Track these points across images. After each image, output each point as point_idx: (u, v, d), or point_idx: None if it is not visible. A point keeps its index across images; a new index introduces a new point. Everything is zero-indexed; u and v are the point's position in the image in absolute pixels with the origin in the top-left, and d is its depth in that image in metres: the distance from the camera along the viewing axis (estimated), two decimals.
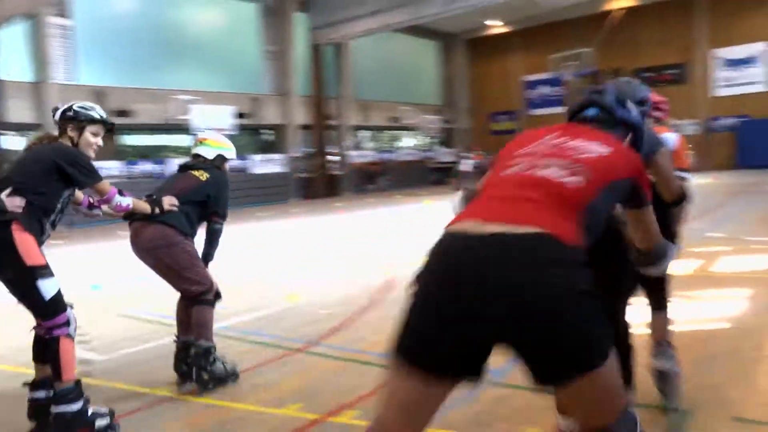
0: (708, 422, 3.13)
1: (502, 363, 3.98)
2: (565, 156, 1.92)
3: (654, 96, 3.27)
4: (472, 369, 1.76)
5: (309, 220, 17.42)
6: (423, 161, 38.11)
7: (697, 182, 10.29)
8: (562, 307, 1.58)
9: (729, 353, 4.01)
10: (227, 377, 4.28)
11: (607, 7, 33.37)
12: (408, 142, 40.00)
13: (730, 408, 3.24)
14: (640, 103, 2.68)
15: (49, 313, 3.39)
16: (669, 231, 2.99)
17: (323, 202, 26.53)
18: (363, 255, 10.08)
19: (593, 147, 1.96)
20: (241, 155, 28.60)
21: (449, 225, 1.84)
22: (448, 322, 1.66)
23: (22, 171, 3.54)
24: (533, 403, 3.13)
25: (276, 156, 29.62)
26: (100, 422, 3.44)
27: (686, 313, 4.98)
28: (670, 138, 3.56)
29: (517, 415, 3.33)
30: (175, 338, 4.45)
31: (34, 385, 3.62)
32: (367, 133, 37.34)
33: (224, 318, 5.66)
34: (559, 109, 37.89)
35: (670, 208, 2.92)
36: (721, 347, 4.18)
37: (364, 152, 34.77)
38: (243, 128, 29.31)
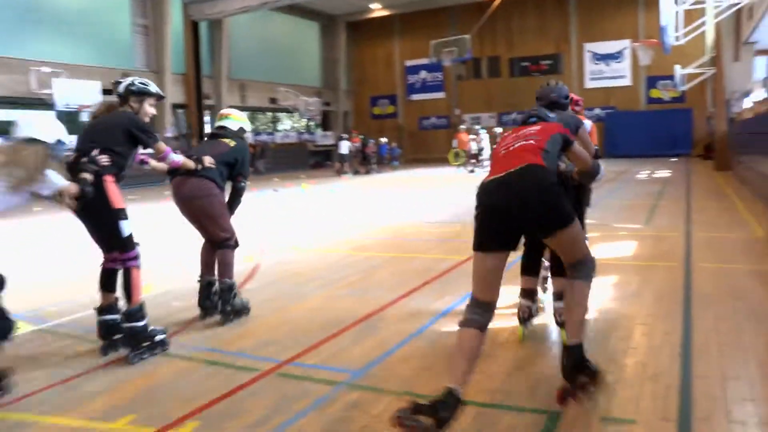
0: (578, 421, 3.01)
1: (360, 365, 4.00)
2: (523, 136, 3.39)
3: (573, 96, 5.13)
4: (513, 245, 3.16)
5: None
6: (302, 144, 37.65)
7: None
8: (547, 190, 3.04)
9: (596, 345, 3.84)
10: (243, 310, 5.16)
11: None
12: (287, 124, 39.39)
13: (598, 406, 3.12)
14: (565, 97, 4.44)
15: (127, 248, 4.31)
16: (585, 196, 4.80)
17: None
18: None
19: (534, 128, 3.45)
20: None
21: (485, 179, 3.25)
22: (499, 221, 3.07)
23: (103, 134, 4.33)
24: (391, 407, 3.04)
25: None
26: (158, 337, 4.36)
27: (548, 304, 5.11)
28: (587, 123, 4.77)
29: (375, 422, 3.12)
30: (198, 278, 5.28)
31: (102, 311, 4.45)
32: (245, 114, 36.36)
33: (61, 314, 5.40)
34: (438, 95, 38.70)
35: (583, 180, 4.01)
36: (588, 339, 4.23)
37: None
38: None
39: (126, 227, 4.29)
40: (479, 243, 3.12)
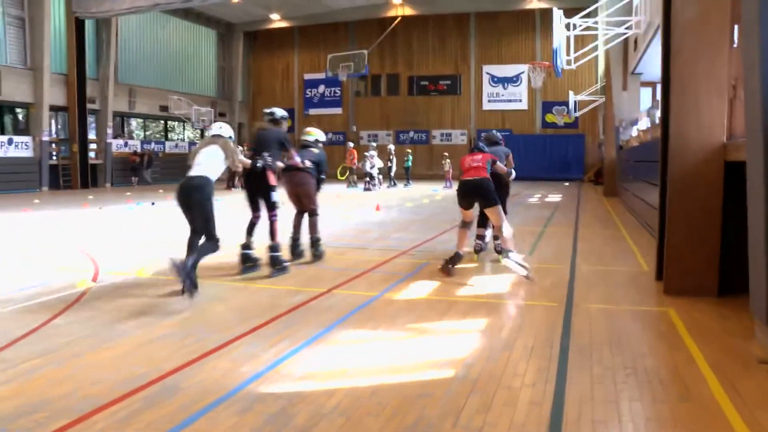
0: None
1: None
2: (474, 160, 7.51)
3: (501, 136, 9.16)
4: (473, 206, 7.48)
5: (39, 213, 15.08)
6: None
7: (454, 191, 10.29)
8: (487, 187, 7.31)
9: (447, 415, 3.17)
10: (322, 255, 8.26)
11: (388, 14, 33.95)
12: (178, 133, 37.53)
13: None
14: (500, 139, 9.01)
15: (274, 208, 7.28)
16: (504, 188, 8.39)
17: (77, 194, 23.67)
18: (57, 256, 8.46)
19: (479, 156, 7.57)
20: None
21: (462, 178, 7.49)
22: (468, 198, 7.45)
23: (267, 142, 7.28)
24: None
25: (24, 138, 25.89)
26: (285, 264, 7.34)
27: (405, 356, 4.37)
28: (507, 150, 8.83)
29: None
30: (290, 237, 8.23)
31: (244, 246, 7.48)
32: (134, 121, 34.44)
33: None
34: (336, 110, 38.03)
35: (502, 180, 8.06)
36: (441, 403, 3.49)
37: (129, 141, 31.84)
38: None
39: (275, 196, 7.29)
40: (462, 205, 7.48)
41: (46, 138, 26.34)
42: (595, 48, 17.27)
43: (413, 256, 8.64)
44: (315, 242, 8.21)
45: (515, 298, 6.06)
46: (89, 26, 28.67)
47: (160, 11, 30.86)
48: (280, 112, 7.68)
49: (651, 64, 15.28)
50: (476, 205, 7.42)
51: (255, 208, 7.42)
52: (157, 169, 32.28)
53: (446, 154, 29.76)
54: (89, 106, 28.59)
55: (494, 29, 34.92)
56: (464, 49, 35.77)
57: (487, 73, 35.31)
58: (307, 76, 38.58)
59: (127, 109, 31.59)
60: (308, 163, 8.05)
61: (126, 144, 31.16)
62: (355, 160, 26.56)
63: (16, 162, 25.13)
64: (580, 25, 14.98)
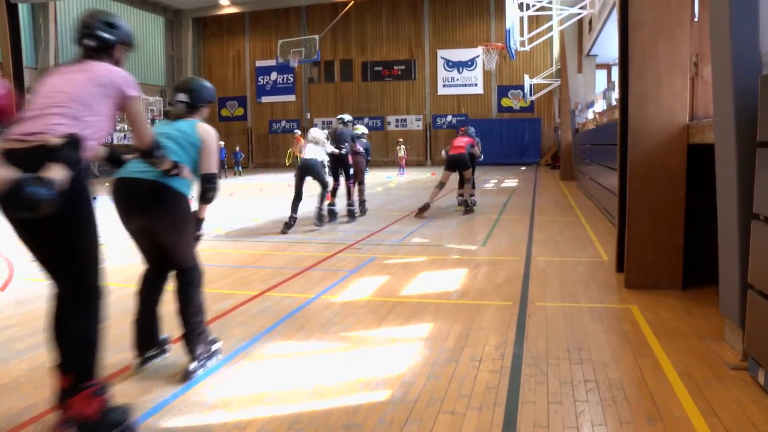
0: None
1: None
2: (458, 140, 11.78)
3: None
4: (454, 171, 11.64)
5: None
6: None
7: (408, 178, 9.82)
8: (466, 159, 11.64)
9: None
10: (366, 212, 11.76)
11: None
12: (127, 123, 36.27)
13: None
14: (473, 131, 12.69)
15: (350, 178, 10.88)
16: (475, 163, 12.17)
17: None
18: None
19: (465, 139, 11.88)
20: None
21: (449, 151, 11.61)
22: (451, 165, 11.53)
23: (343, 138, 10.68)
24: None
25: None
26: (355, 215, 11.14)
27: (334, 375, 3.82)
28: (478, 140, 12.51)
29: None
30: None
31: (330, 204, 10.80)
32: None
33: None
34: (289, 97, 37.16)
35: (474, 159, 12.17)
36: None
37: None
38: None
39: (327, 179, 10.36)
40: (447, 170, 11.54)
41: None
42: (550, 29, 16.87)
43: (359, 250, 8.07)
44: (362, 203, 11.73)
45: (465, 296, 5.51)
46: (24, 11, 27.25)
47: None
48: (348, 117, 11.38)
49: (606, 46, 14.96)
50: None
51: (336, 179, 11.03)
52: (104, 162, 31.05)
53: (401, 140, 29.24)
54: (28, 96, 27.19)
55: (448, 13, 34.41)
56: (418, 33, 35.20)
57: (442, 58, 34.82)
58: (259, 63, 37.58)
59: None
60: (361, 149, 11.44)
61: None
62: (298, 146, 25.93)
63: None
64: (534, 5, 14.52)
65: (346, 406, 3.25)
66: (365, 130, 12.53)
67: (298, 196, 9.89)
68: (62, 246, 2.83)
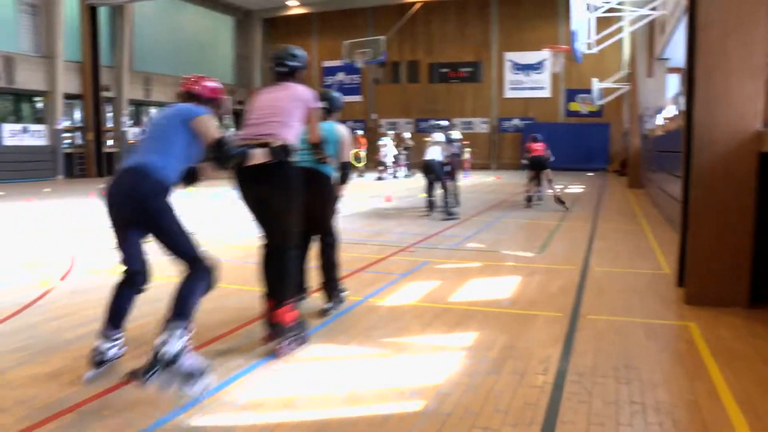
0: None
1: None
2: (538, 145, 13.56)
3: None
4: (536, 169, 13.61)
5: (42, 203, 14.68)
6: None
7: (472, 181, 9.63)
8: (546, 160, 13.70)
9: None
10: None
11: (406, 0, 33.17)
12: None
13: None
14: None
15: (441, 182, 11.63)
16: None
17: (90, 182, 23.33)
18: (36, 251, 7.93)
19: (540, 144, 13.61)
20: None
21: (530, 155, 13.46)
22: (535, 165, 13.44)
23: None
24: None
25: (39, 127, 25.62)
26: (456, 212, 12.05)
27: (370, 381, 3.72)
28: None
29: None
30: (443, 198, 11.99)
31: (429, 206, 12.05)
32: (152, 109, 34.13)
33: None
34: (356, 98, 37.32)
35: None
36: None
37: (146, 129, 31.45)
38: None
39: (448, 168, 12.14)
40: (530, 169, 13.54)
41: (60, 126, 26.05)
42: (619, 31, 16.34)
43: (413, 253, 7.96)
44: (455, 197, 12.89)
45: (515, 305, 5.33)
46: (103, 13, 28.30)
47: None
48: (444, 122, 12.71)
49: (678, 49, 14.34)
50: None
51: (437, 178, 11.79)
52: None
53: (466, 143, 28.90)
54: (104, 94, 28.25)
55: (516, 14, 33.87)
56: (485, 35, 34.77)
57: (509, 60, 34.30)
58: (326, 64, 37.90)
59: (143, 97, 31.22)
60: (456, 151, 13.06)
61: (143, 132, 30.74)
62: (363, 148, 25.91)
63: (32, 150, 24.93)
64: (602, 6, 14.07)
65: (375, 415, 3.15)
66: (459, 135, 14.45)
67: (430, 186, 12.05)
68: (277, 212, 4.18)
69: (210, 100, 3.96)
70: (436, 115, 35.18)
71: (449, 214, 11.44)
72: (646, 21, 15.13)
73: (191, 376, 3.33)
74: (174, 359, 3.31)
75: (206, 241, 8.56)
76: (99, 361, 3.65)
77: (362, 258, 7.53)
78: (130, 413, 3.19)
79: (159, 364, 3.29)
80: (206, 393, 3.44)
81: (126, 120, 29.50)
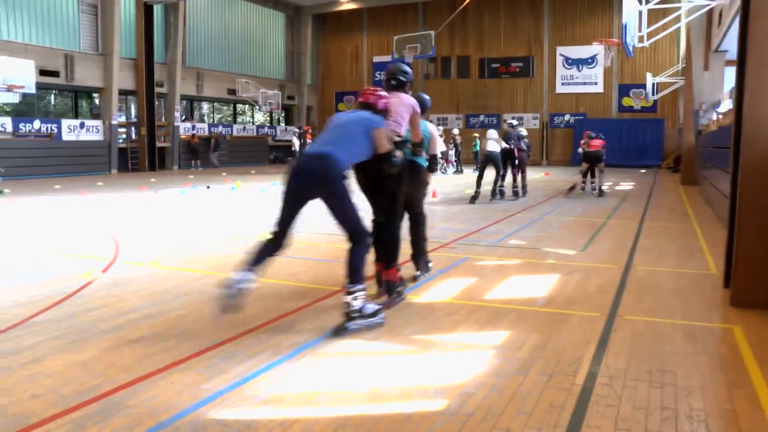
0: None
1: None
2: (597, 142, 15.08)
3: None
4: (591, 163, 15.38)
5: (101, 196, 15.09)
6: (262, 138, 35.97)
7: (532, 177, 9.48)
8: (602, 155, 15.29)
9: None
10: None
11: None
12: (249, 117, 37.72)
13: None
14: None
15: (500, 172, 14.21)
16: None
17: (142, 176, 23.90)
18: (82, 243, 8.13)
19: (599, 141, 15.37)
20: (49, 119, 25.32)
21: (588, 150, 15.07)
22: (591, 159, 15.22)
23: (512, 137, 14.32)
24: None
25: (95, 122, 26.37)
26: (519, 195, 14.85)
27: (395, 378, 3.67)
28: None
29: None
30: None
31: (475, 196, 13.74)
32: (204, 105, 34.75)
33: None
34: None
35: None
36: None
37: (197, 124, 32.07)
38: (51, 88, 25.96)
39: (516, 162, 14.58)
40: (585, 161, 15.21)
41: (115, 122, 26.73)
42: (673, 22, 15.84)
43: (453, 249, 7.87)
44: (524, 187, 15.06)
45: (550, 304, 5.20)
46: (158, 11, 28.90)
47: None
48: (515, 121, 15.19)
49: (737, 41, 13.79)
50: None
51: (504, 168, 14.18)
52: (225, 152, 32.46)
53: (476, 135, 28.48)
54: (157, 89, 28.87)
55: (568, 8, 33.24)
56: (537, 29, 34.24)
57: (561, 55, 33.69)
58: (376, 59, 37.90)
59: (195, 92, 31.80)
60: (524, 146, 14.83)
61: (193, 127, 31.36)
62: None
63: (88, 145, 25.64)
64: None
65: (397, 413, 3.10)
66: (526, 132, 16.12)
67: (480, 177, 13.91)
68: (389, 193, 5.16)
69: (382, 111, 4.87)
70: (486, 110, 34.93)
71: (515, 195, 14.40)
72: (702, 12, 14.62)
73: (374, 314, 4.53)
74: (360, 310, 4.42)
75: (250, 235, 8.72)
76: (234, 294, 4.34)
77: (403, 254, 7.45)
78: (153, 404, 3.22)
79: (352, 318, 4.41)
80: (228, 386, 3.46)
81: (178, 115, 30.07)
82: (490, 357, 3.91)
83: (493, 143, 13.92)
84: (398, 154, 4.83)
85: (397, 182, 5.11)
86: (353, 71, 39.04)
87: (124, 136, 28.17)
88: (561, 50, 33.73)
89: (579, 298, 5.37)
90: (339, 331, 4.32)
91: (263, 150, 35.61)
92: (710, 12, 15.28)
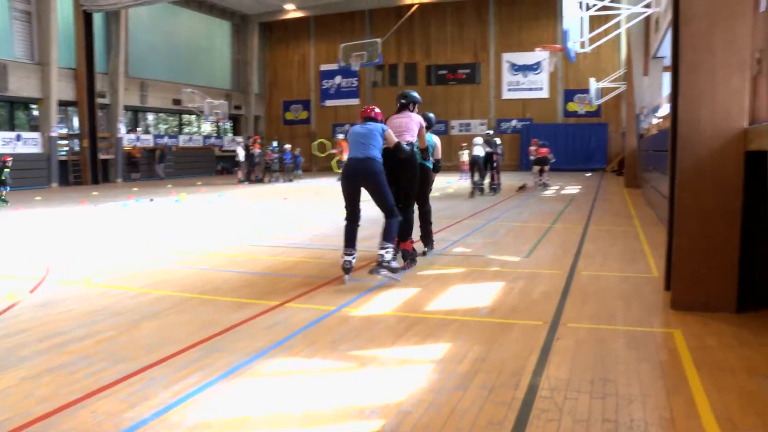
0: None
1: None
2: (544, 149, 20.02)
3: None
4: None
5: (37, 211, 14.51)
6: (209, 148, 35.37)
7: (469, 184, 9.31)
8: (549, 160, 20.25)
9: None
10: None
11: (405, 1, 32.96)
12: (195, 127, 37.05)
13: None
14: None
15: (483, 174, 17.44)
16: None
17: (84, 190, 23.17)
18: (9, 262, 7.76)
19: (546, 149, 20.47)
20: None
21: (537, 156, 20.00)
22: (540, 163, 20.06)
23: (490, 144, 17.53)
24: None
25: (33, 135, 25.45)
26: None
27: (330, 398, 3.52)
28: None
29: None
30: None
31: (473, 192, 16.92)
32: (150, 116, 33.99)
33: None
34: (353, 101, 37.12)
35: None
36: None
37: (142, 136, 31.33)
38: None
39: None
40: (536, 164, 19.93)
41: (55, 134, 25.89)
42: (613, 28, 16.11)
43: (398, 258, 7.73)
44: (498, 185, 17.87)
45: (493, 314, 5.10)
46: (98, 19, 28.17)
47: (171, 2, 30.27)
48: (491, 132, 18.55)
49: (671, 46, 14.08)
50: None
51: (485, 168, 16.96)
52: (171, 164, 31.80)
53: (464, 144, 28.67)
54: (99, 100, 28.10)
55: (514, 16, 33.69)
56: (483, 36, 34.59)
57: (507, 61, 34.10)
58: (324, 67, 37.72)
59: (139, 103, 31.10)
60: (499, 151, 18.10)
61: (138, 139, 30.63)
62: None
63: (26, 158, 24.66)
64: (596, 5, 13.85)
65: None
66: (500, 141, 20.04)
67: (472, 176, 17.03)
68: (406, 184, 6.94)
69: (381, 120, 6.70)
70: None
71: (493, 190, 17.50)
72: (641, 18, 14.91)
73: (395, 270, 6.27)
74: (388, 262, 6.18)
75: (184, 249, 8.48)
76: (348, 268, 6.36)
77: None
78: None
79: (381, 264, 6.16)
80: (153, 414, 3.24)
81: (122, 126, 29.33)
82: (429, 372, 3.78)
83: (479, 148, 16.50)
84: (405, 146, 6.72)
85: (412, 176, 6.91)
86: (300, 80, 38.76)
87: (66, 148, 27.27)
88: (507, 57, 34.13)
89: (522, 307, 5.29)
90: (372, 271, 6.17)
91: (210, 161, 35.05)
92: (648, 19, 15.59)
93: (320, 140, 28.04)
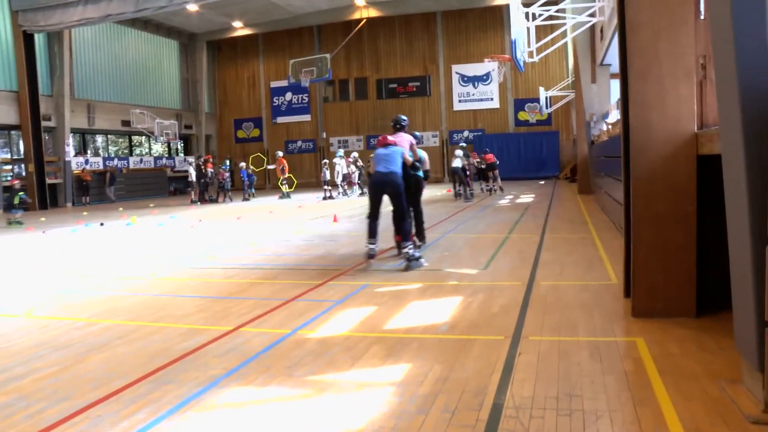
0: None
1: None
2: (490, 156, 23.03)
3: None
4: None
5: None
6: (161, 169, 34.71)
7: (424, 196, 9.39)
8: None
9: None
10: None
11: (353, 16, 32.97)
12: (146, 148, 36.34)
13: None
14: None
15: (464, 183, 20.04)
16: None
17: (31, 216, 22.36)
18: None
19: (491, 155, 23.21)
20: None
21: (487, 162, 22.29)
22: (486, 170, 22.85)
23: (466, 156, 20.85)
24: None
25: None
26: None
27: (294, 428, 3.35)
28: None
29: None
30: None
31: (466, 196, 19.85)
32: (99, 138, 33.19)
33: None
34: (304, 117, 36.94)
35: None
36: None
37: (91, 158, 30.54)
38: None
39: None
40: (486, 170, 22.75)
41: None
42: (559, 38, 16.34)
43: (353, 276, 7.59)
44: (472, 193, 19.65)
45: (453, 330, 4.99)
46: (39, 40, 27.41)
47: (116, 22, 29.69)
48: (464, 144, 25.35)
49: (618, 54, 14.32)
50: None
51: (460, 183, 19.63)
52: (122, 186, 31.09)
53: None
54: (45, 123, 27.29)
55: (461, 27, 34.03)
56: (432, 49, 34.83)
57: (457, 73, 34.38)
58: (274, 84, 37.47)
59: (87, 125, 30.36)
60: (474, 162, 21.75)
61: (87, 161, 29.85)
62: (286, 171, 25.18)
63: None
64: (541, 15, 14.02)
65: None
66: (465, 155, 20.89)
67: (455, 185, 19.80)
68: (396, 197, 8.12)
69: (394, 144, 8.26)
70: (386, 131, 34.97)
71: (468, 199, 18.90)
72: (586, 27, 15.15)
73: (418, 259, 7.82)
74: (413, 255, 7.79)
75: (135, 275, 8.18)
76: (372, 254, 7.98)
77: (299, 284, 7.14)
78: None
79: (410, 260, 7.73)
80: None
81: (69, 150, 28.54)
82: (389, 395, 3.64)
83: (458, 160, 18.73)
84: (417, 164, 8.75)
85: (399, 192, 8.01)
86: (251, 97, 38.42)
87: (10, 174, 26.39)
88: (456, 68, 34.42)
89: (482, 322, 5.19)
90: (407, 269, 7.65)
91: (162, 182, 34.40)
92: (593, 27, 15.86)
93: (256, 154, 27.56)
